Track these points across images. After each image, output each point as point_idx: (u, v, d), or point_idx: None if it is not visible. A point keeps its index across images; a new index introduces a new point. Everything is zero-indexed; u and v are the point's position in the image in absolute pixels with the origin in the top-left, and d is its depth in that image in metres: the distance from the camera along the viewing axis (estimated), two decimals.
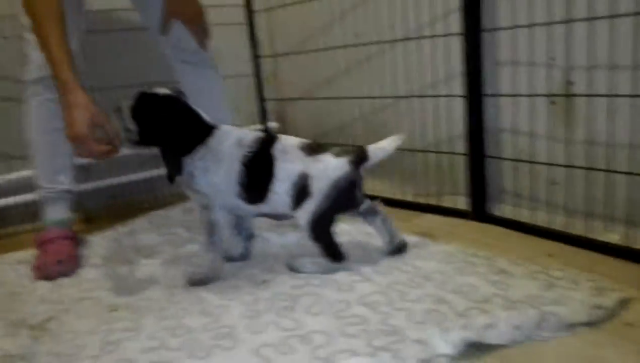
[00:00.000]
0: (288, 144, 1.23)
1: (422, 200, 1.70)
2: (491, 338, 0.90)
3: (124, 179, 2.01)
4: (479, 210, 1.52)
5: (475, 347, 0.91)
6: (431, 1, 1.61)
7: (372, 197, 1.32)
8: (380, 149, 1.22)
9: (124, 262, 1.43)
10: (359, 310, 1.06)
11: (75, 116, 1.14)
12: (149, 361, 0.95)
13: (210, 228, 1.26)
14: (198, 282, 1.24)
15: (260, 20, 2.14)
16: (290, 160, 1.21)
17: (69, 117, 1.15)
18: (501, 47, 1.45)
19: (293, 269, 1.26)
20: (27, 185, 1.86)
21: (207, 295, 1.18)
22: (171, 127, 1.21)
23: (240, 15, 2.10)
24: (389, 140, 1.23)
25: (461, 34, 1.45)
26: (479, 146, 1.48)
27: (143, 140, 1.22)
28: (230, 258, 1.37)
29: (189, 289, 1.23)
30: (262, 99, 2.14)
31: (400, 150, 1.73)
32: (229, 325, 1.05)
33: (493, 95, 1.47)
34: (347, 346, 0.93)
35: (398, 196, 1.77)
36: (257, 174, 1.22)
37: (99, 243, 1.57)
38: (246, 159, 1.22)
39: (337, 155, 1.21)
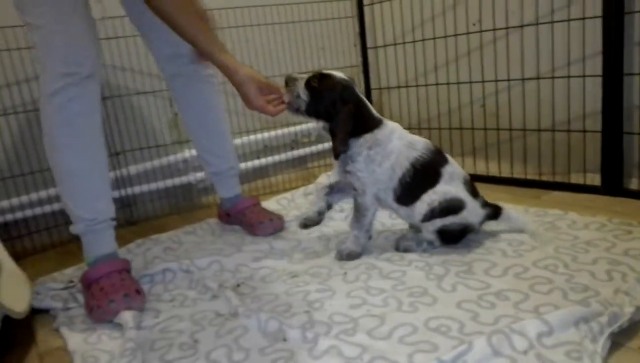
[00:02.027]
0: (456, 172, 1.31)
1: (546, 178, 1.76)
2: None
3: None
4: (612, 185, 1.57)
5: None
6: None
7: None
8: (514, 218, 1.34)
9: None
10: (539, 272, 1.13)
11: (245, 92, 1.25)
12: (362, 314, 1.04)
13: (359, 210, 1.34)
14: (346, 256, 1.34)
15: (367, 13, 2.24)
16: (451, 186, 1.29)
17: (242, 95, 1.27)
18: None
19: (406, 250, 1.33)
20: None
21: (379, 263, 1.28)
22: (349, 108, 1.29)
23: (347, 9, 2.20)
24: (521, 217, 1.35)
25: (600, 17, 1.52)
26: (616, 123, 1.53)
27: (309, 110, 1.32)
28: None
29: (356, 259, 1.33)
30: (368, 89, 2.24)
31: (523, 130, 1.81)
32: (418, 285, 1.14)
33: (631, 74, 1.53)
34: (547, 301, 1.01)
35: (520, 175, 1.83)
36: (420, 179, 1.30)
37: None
38: (418, 162, 1.30)
39: (482, 206, 1.32)
